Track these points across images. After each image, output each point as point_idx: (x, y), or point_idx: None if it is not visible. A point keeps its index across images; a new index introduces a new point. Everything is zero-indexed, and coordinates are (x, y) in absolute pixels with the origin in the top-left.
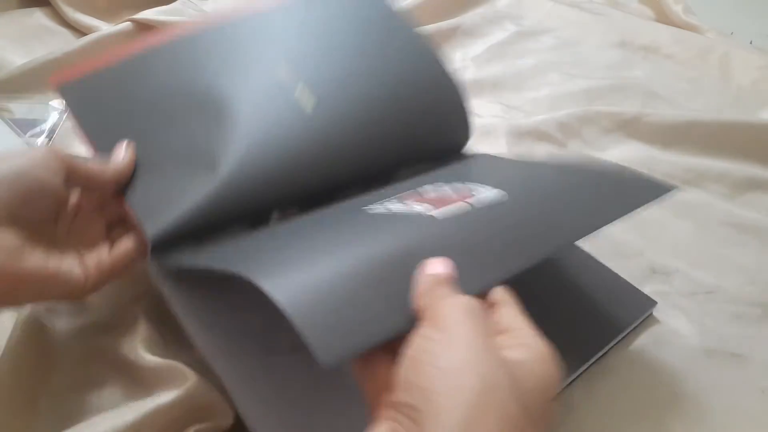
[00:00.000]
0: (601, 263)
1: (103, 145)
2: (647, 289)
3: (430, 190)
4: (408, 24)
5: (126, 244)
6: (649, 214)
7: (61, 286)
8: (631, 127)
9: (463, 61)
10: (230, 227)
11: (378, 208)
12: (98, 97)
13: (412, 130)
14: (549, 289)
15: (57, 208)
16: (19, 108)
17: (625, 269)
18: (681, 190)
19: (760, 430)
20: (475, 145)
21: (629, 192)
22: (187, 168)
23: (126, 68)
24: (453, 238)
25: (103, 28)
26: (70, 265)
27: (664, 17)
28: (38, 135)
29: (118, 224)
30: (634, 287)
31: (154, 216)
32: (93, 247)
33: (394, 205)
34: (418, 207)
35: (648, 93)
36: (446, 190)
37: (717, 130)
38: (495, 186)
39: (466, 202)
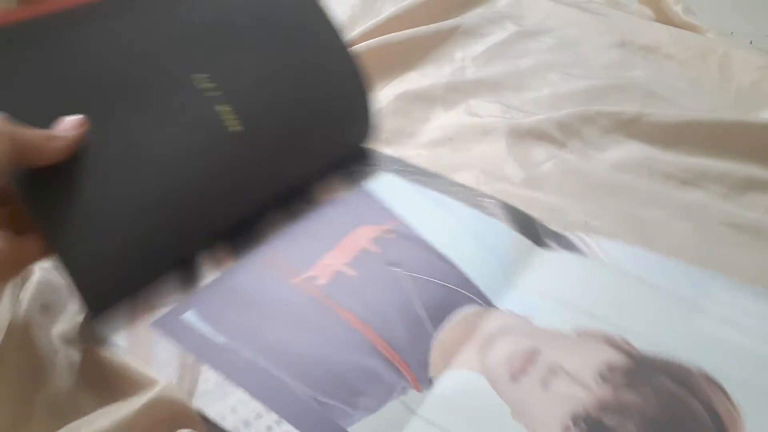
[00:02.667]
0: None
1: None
2: None
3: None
4: (317, 8)
5: (32, 250)
6: (649, 214)
7: None
8: (631, 127)
9: (463, 61)
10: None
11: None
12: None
13: (324, 133)
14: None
15: None
16: None
17: None
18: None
19: (761, 430)
20: (475, 144)
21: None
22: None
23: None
24: None
25: None
26: None
27: (664, 17)
28: None
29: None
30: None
31: (87, 273)
32: None
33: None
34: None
35: (648, 93)
36: None
37: (717, 130)
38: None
39: None
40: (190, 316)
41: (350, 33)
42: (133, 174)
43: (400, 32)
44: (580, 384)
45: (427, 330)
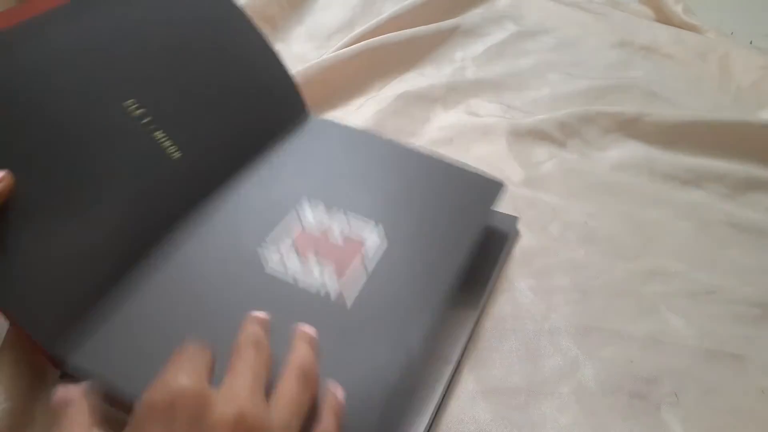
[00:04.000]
0: (441, 159)
1: None
2: (647, 290)
3: (314, 221)
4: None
5: None
6: (649, 214)
7: None
8: (631, 127)
9: (463, 61)
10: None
11: (274, 260)
12: None
13: (255, 119)
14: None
15: None
16: None
17: (625, 270)
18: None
19: (760, 430)
20: (475, 144)
21: (476, 200)
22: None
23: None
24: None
25: None
26: None
27: (664, 17)
28: None
29: None
30: (481, 174)
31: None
32: None
33: (292, 263)
34: (318, 272)
35: (648, 93)
36: (334, 232)
37: (717, 130)
38: (372, 217)
39: (363, 267)
40: None
41: (350, 33)
42: (72, 223)
43: (400, 32)
44: None
45: None
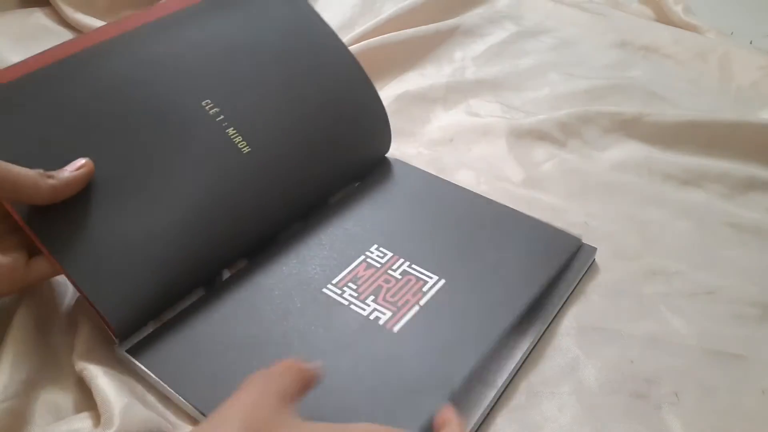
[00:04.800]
0: (524, 214)
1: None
2: (647, 290)
3: (378, 265)
4: (323, 27)
5: (41, 269)
6: (649, 214)
7: None
8: (631, 127)
9: (463, 61)
10: (184, 292)
11: (334, 294)
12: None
13: (341, 147)
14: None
15: None
16: None
17: (625, 270)
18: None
19: (761, 430)
20: (475, 144)
21: (549, 253)
22: (124, 216)
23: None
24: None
25: None
26: None
27: (664, 17)
28: None
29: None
30: (560, 230)
31: (106, 295)
32: (7, 252)
33: (349, 289)
34: (375, 311)
35: (648, 93)
36: (397, 279)
37: (717, 130)
38: (438, 272)
39: (418, 305)
40: None
41: (350, 33)
42: (152, 205)
43: (400, 32)
44: None
45: None
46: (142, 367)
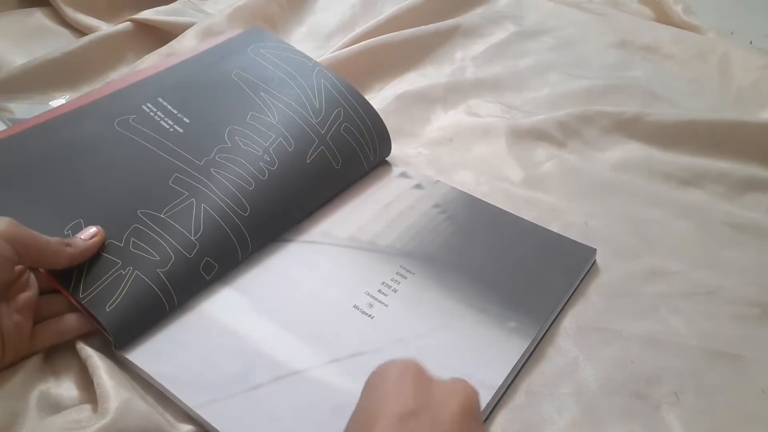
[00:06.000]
0: (537, 226)
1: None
2: (647, 290)
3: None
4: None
5: (71, 324)
6: (649, 214)
7: None
8: (631, 127)
9: (463, 61)
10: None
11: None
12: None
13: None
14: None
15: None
16: (19, 108)
17: (625, 271)
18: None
19: (760, 430)
20: (475, 144)
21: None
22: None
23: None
24: None
25: (103, 28)
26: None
27: (664, 17)
28: None
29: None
30: (571, 240)
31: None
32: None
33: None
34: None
35: (648, 93)
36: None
37: (717, 130)
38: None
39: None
40: None
41: (350, 33)
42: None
43: (400, 32)
44: None
45: None
46: (142, 368)
